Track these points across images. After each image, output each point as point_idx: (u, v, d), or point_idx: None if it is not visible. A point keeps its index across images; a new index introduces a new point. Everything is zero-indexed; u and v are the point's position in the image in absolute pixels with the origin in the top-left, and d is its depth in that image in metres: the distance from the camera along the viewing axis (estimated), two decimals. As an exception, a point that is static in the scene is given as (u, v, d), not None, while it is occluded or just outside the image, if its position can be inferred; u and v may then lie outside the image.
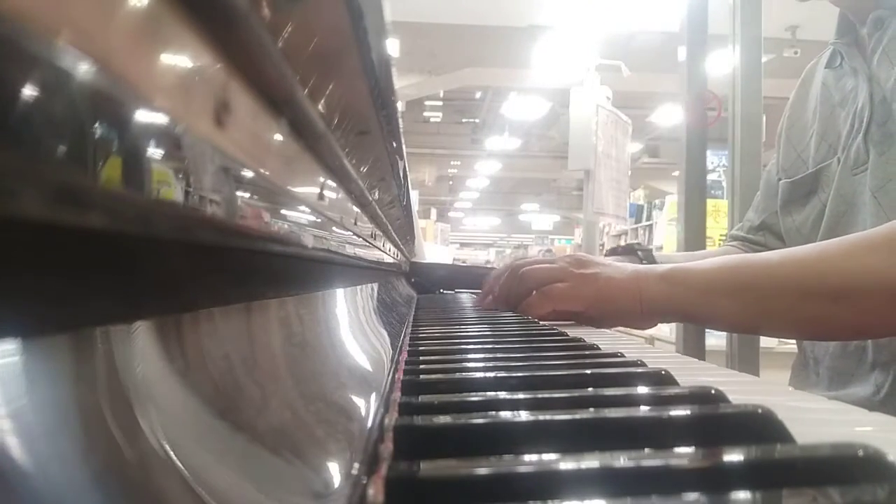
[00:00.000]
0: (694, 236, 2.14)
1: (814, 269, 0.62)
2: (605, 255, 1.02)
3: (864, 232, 0.64)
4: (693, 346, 2.06)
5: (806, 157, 0.90)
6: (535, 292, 0.76)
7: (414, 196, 2.20)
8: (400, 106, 0.44)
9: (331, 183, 0.35)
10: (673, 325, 3.94)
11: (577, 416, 0.24)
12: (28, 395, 0.11)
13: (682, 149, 2.18)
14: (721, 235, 3.51)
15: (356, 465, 0.20)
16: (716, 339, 2.32)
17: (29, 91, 0.09)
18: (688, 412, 0.25)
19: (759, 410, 0.24)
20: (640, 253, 0.96)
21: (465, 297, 1.26)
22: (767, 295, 0.65)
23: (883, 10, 0.79)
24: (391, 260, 0.85)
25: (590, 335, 0.59)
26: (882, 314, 0.60)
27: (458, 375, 0.35)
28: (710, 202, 5.17)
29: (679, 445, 0.22)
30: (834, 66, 0.88)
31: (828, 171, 0.85)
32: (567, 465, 0.19)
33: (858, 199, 0.79)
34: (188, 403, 0.16)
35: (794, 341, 0.98)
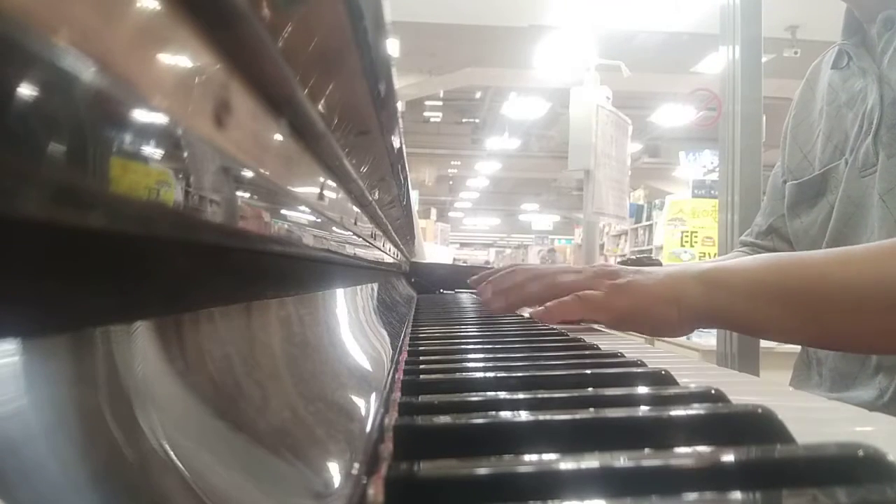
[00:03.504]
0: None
1: (871, 275, 0.55)
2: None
3: None
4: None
5: (812, 158, 0.89)
6: (569, 296, 0.70)
7: (414, 196, 2.20)
8: (400, 106, 0.44)
9: (331, 183, 0.35)
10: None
11: (577, 416, 0.24)
12: (28, 395, 0.11)
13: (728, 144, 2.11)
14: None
15: (356, 465, 0.20)
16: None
17: (29, 91, 0.09)
18: (688, 412, 0.25)
19: (760, 410, 0.24)
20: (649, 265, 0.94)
21: (466, 297, 1.26)
22: (820, 303, 0.58)
23: (893, 9, 0.78)
24: (391, 260, 0.85)
25: (590, 335, 0.59)
26: None
27: (458, 375, 0.35)
28: (710, 202, 5.17)
29: (679, 445, 0.22)
30: (840, 67, 0.87)
31: (835, 173, 0.84)
32: (567, 465, 0.19)
33: (867, 202, 0.78)
34: (188, 404, 0.16)
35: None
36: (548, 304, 0.71)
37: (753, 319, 0.62)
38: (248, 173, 0.20)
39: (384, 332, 0.48)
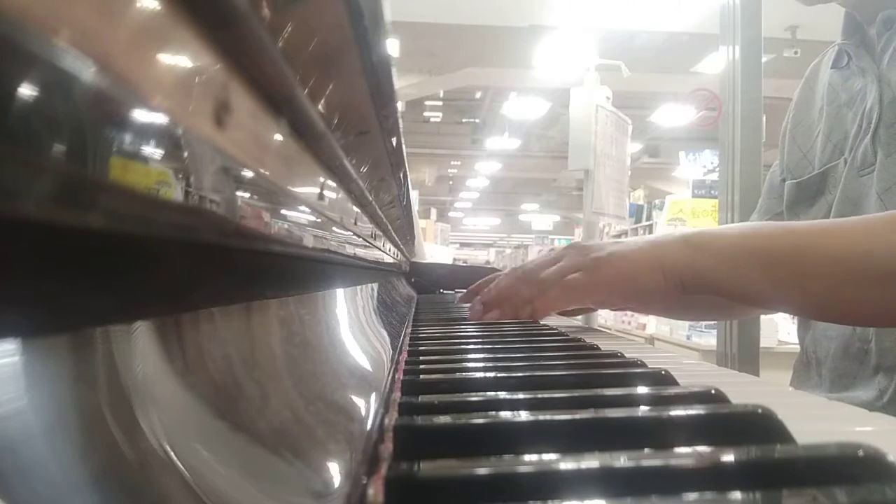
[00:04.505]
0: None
1: (860, 246, 0.54)
2: None
3: None
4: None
5: (812, 157, 0.89)
6: (550, 289, 0.67)
7: (414, 196, 2.19)
8: (400, 106, 0.44)
9: (331, 183, 0.35)
10: (679, 327, 3.92)
11: (577, 417, 0.24)
12: (28, 395, 0.11)
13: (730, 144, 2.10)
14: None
15: (356, 466, 0.20)
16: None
17: (29, 91, 0.09)
18: (688, 412, 0.25)
19: (759, 410, 0.24)
20: None
21: (465, 297, 1.26)
22: (805, 271, 0.56)
23: (893, 10, 0.78)
24: (391, 260, 0.85)
25: (590, 335, 0.59)
26: None
27: (458, 375, 0.35)
28: (710, 202, 5.17)
29: (679, 446, 0.22)
30: (840, 67, 0.87)
31: (834, 172, 0.84)
32: (567, 465, 0.19)
33: (865, 201, 0.78)
34: (188, 404, 0.16)
35: (795, 341, 0.98)
36: (533, 302, 0.69)
37: (738, 285, 0.60)
38: (248, 173, 0.20)
39: (384, 332, 0.48)
